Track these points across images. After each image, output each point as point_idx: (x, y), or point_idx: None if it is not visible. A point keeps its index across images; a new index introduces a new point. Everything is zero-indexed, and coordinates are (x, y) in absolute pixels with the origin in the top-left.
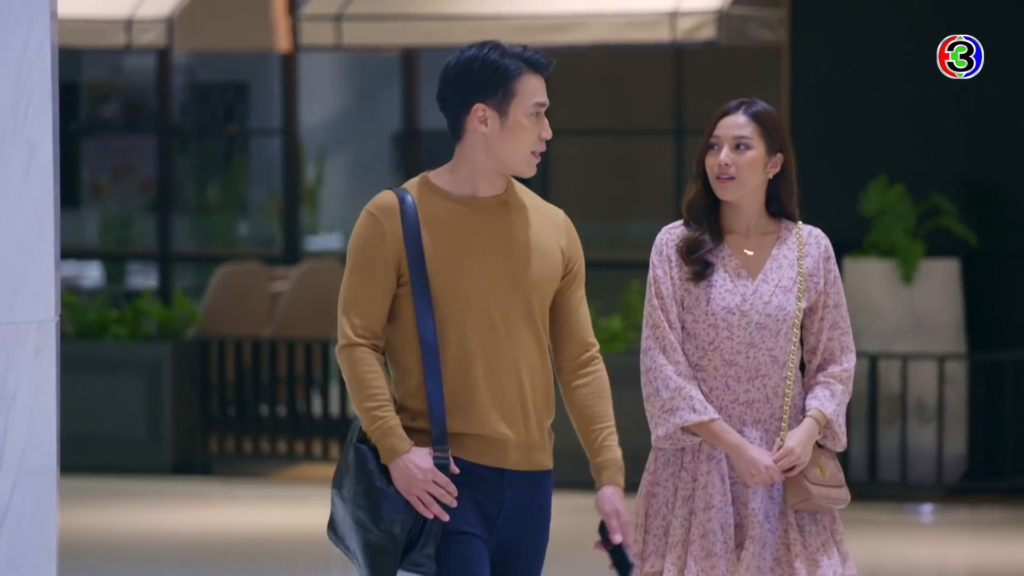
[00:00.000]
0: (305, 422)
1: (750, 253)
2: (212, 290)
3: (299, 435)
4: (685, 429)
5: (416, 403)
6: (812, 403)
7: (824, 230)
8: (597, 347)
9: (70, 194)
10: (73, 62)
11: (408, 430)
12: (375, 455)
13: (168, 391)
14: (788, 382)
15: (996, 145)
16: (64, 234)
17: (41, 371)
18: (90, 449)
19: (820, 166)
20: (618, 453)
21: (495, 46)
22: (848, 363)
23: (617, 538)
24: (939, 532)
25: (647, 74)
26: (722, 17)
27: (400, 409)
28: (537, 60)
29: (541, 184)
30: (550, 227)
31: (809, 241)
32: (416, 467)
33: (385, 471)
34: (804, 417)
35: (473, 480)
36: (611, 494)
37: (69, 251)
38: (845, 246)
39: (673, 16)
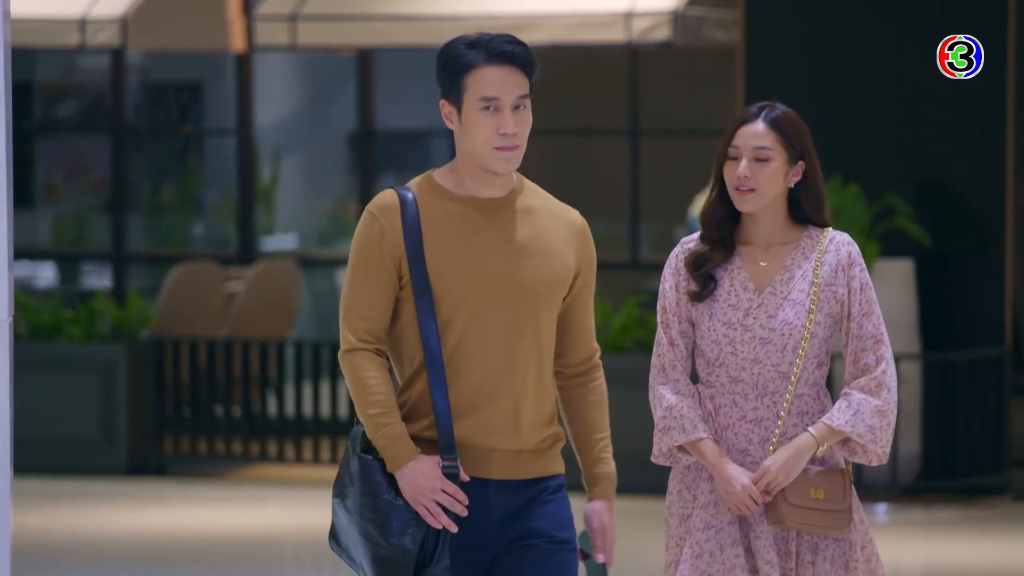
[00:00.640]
0: (260, 423)
1: (764, 264)
2: (167, 290)
3: (254, 436)
4: (680, 448)
5: (421, 410)
6: (823, 418)
7: None
8: (599, 353)
9: (24, 194)
10: (27, 62)
11: (414, 439)
12: (381, 465)
13: (123, 392)
14: (788, 397)
15: (950, 145)
16: (17, 234)
17: None
18: (44, 450)
19: None
20: (613, 467)
21: (468, 38)
22: (878, 372)
23: (600, 558)
24: (893, 532)
25: (602, 74)
26: (677, 18)
27: (405, 416)
28: (498, 51)
29: None
30: (562, 230)
31: (829, 248)
32: (423, 476)
33: (392, 481)
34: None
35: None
36: (601, 509)
37: (23, 251)
38: None
39: (628, 17)
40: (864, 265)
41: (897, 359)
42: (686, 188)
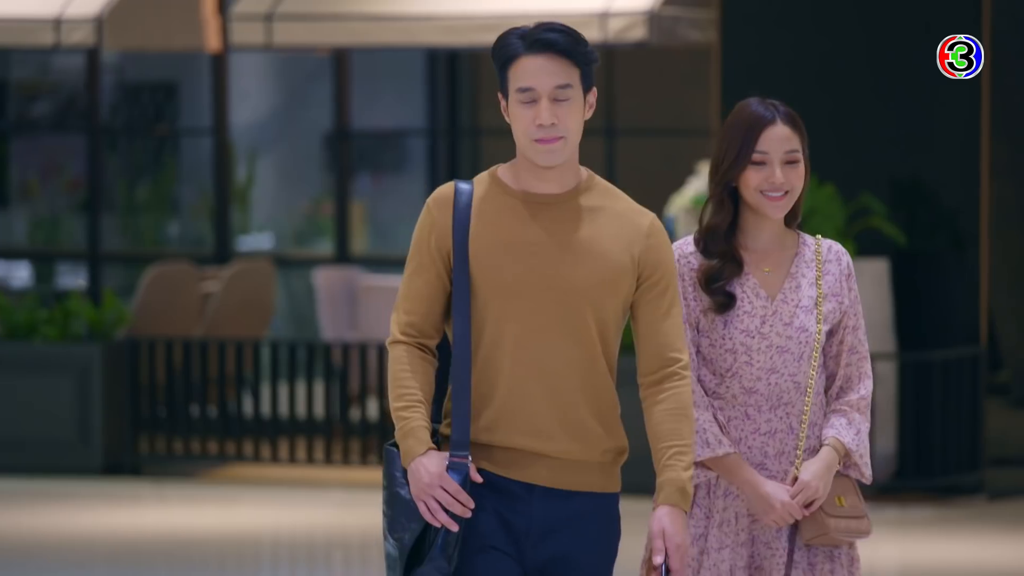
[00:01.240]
0: (236, 423)
1: (768, 271)
2: (142, 290)
3: (230, 435)
4: (700, 464)
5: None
6: (829, 432)
7: None
8: (683, 362)
9: None
10: (1, 61)
11: (445, 438)
12: (400, 457)
13: (98, 392)
14: (807, 409)
15: (925, 145)
16: None
17: None
18: (19, 450)
19: None
20: (680, 473)
21: (521, 28)
22: (865, 390)
23: (658, 559)
24: None
25: None
26: (652, 18)
27: (445, 414)
28: (535, 38)
29: None
30: (624, 232)
31: (829, 258)
32: (426, 471)
33: (407, 475)
34: (822, 447)
35: (499, 494)
36: (662, 515)
37: None
38: None
39: (603, 17)
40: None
41: (872, 359)
42: (662, 187)
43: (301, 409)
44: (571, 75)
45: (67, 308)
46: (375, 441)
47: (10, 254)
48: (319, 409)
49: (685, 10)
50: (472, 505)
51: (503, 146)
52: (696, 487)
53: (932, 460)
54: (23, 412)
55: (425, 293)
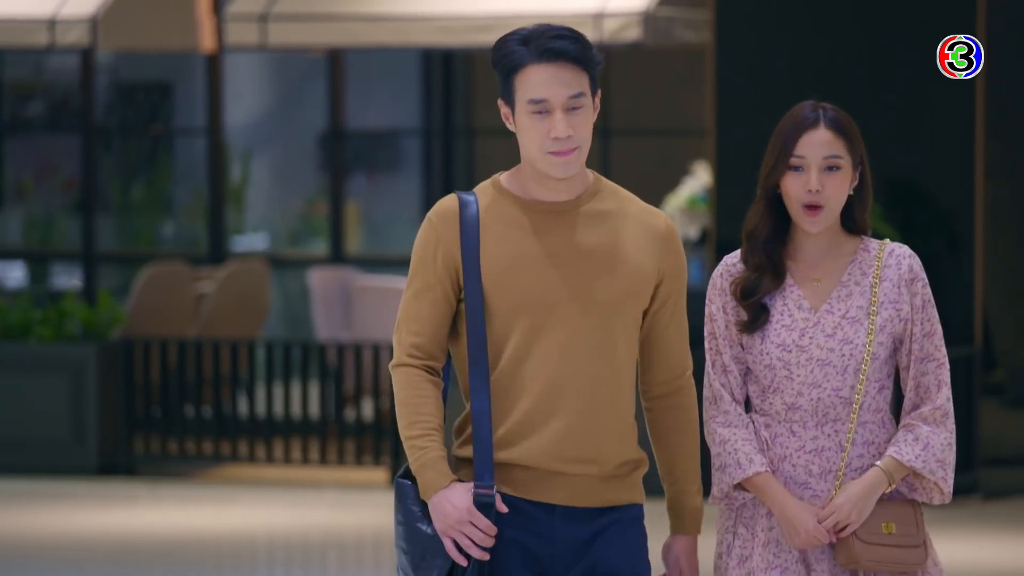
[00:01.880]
0: (230, 423)
1: (818, 281)
2: (137, 290)
3: (224, 436)
4: (737, 486)
5: (469, 430)
6: (890, 450)
7: None
8: (690, 371)
9: None
10: None
11: (461, 460)
12: (416, 490)
13: (93, 392)
14: (851, 426)
15: (920, 145)
16: None
17: None
18: (14, 450)
19: (746, 168)
20: (692, 499)
21: (521, 32)
22: (942, 399)
23: None
24: None
25: None
26: (647, 18)
27: (462, 439)
28: (545, 47)
29: (467, 185)
30: (642, 235)
31: (889, 262)
32: (452, 506)
33: (427, 509)
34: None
35: (519, 516)
36: (679, 549)
37: None
38: None
39: (598, 17)
40: (927, 280)
41: None
42: (657, 188)
43: (296, 409)
44: (582, 83)
45: (62, 308)
46: (370, 441)
47: (4, 254)
48: (314, 409)
49: (680, 10)
50: (494, 532)
51: (498, 146)
52: (741, 507)
53: None
54: (18, 412)
55: (431, 313)
